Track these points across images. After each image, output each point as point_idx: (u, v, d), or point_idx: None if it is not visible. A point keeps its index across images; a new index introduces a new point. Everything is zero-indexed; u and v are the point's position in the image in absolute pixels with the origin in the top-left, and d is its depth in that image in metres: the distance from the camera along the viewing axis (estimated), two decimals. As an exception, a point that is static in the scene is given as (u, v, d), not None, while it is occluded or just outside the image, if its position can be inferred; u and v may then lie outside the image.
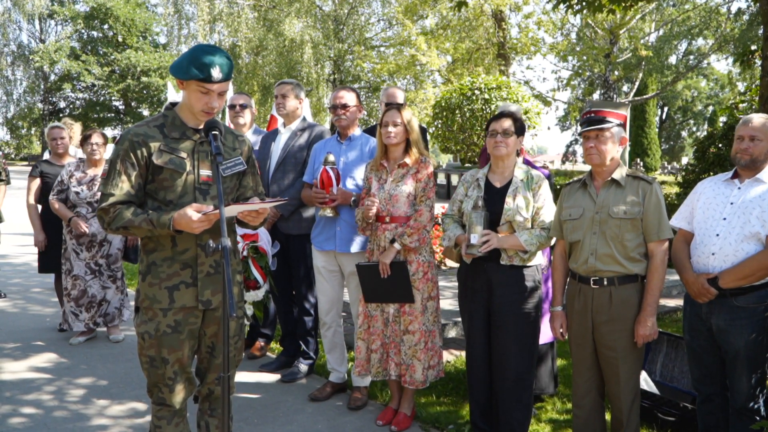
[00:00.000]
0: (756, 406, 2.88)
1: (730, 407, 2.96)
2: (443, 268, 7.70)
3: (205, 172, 2.48)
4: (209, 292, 2.49)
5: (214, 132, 2.39)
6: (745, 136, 2.94)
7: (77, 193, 5.05)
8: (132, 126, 2.51)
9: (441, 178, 17.16)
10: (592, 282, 2.93)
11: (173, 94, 7.98)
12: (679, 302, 6.56)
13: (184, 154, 2.45)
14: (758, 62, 5.03)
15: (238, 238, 3.98)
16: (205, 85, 2.37)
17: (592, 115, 2.94)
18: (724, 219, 2.91)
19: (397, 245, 3.48)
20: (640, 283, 2.91)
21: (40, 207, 5.52)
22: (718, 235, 2.90)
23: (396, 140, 3.54)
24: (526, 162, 3.99)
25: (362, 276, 3.58)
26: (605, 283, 2.90)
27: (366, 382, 3.99)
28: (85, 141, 5.20)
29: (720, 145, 7.66)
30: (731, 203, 2.93)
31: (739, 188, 2.95)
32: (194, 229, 2.32)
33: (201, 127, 2.49)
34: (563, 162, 47.74)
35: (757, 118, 2.96)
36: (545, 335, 3.73)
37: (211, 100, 2.41)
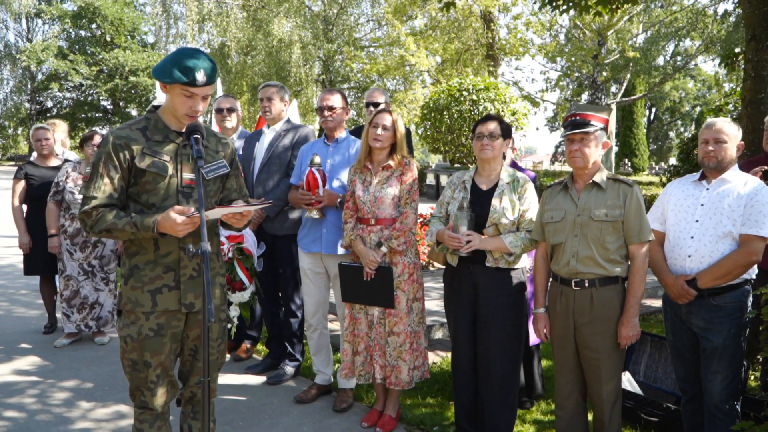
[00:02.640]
0: (728, 407, 2.92)
1: (705, 406, 3.00)
2: (431, 269, 7.71)
3: (188, 176, 2.48)
4: (192, 296, 2.49)
5: (195, 135, 2.38)
6: (709, 139, 3.01)
7: (72, 193, 5.03)
8: (114, 128, 2.50)
9: (430, 179, 17.20)
10: (573, 284, 2.95)
11: (162, 94, 7.93)
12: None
13: (166, 157, 2.44)
14: (743, 65, 5.08)
15: (223, 239, 3.97)
16: (190, 89, 2.37)
17: (577, 118, 2.96)
18: (697, 221, 2.97)
19: (384, 248, 3.49)
20: (621, 285, 2.94)
21: (25, 208, 5.49)
22: (692, 237, 2.96)
23: (383, 144, 3.55)
24: (513, 164, 4.01)
25: (344, 276, 3.58)
26: (586, 285, 2.92)
27: (351, 384, 3.99)
28: (86, 142, 5.19)
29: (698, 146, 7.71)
30: (702, 205, 2.99)
31: (708, 189, 3.02)
32: (178, 232, 2.32)
33: (184, 130, 2.48)
34: (552, 162, 47.92)
35: (720, 122, 3.03)
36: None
37: (195, 104, 2.41)
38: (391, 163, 3.57)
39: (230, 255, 4.01)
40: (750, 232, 2.84)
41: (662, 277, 3.05)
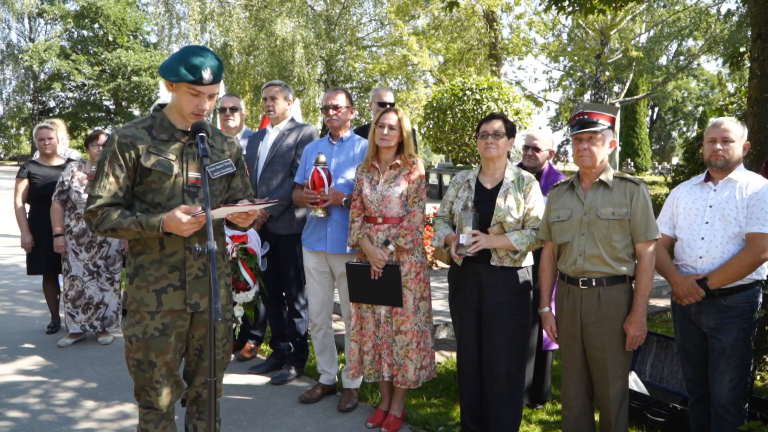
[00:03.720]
0: (735, 408, 2.91)
1: (712, 407, 2.98)
2: (434, 268, 7.70)
3: (194, 174, 2.46)
4: (197, 295, 2.47)
5: (201, 134, 2.36)
6: (717, 138, 2.99)
7: (79, 193, 5.03)
8: (120, 127, 2.49)
9: (433, 178, 17.20)
10: (580, 283, 2.93)
11: (165, 93, 7.90)
12: (669, 302, 6.57)
13: (172, 156, 2.43)
14: (748, 64, 5.05)
15: (228, 239, 3.96)
16: (196, 88, 2.35)
17: (585, 117, 2.94)
18: (707, 223, 2.97)
19: (391, 247, 3.47)
20: (628, 284, 2.92)
21: (28, 207, 5.49)
22: (703, 238, 2.96)
23: (390, 143, 3.54)
24: (550, 168, 3.96)
25: (351, 275, 3.58)
26: (593, 283, 2.90)
27: (356, 384, 3.98)
28: (91, 141, 5.18)
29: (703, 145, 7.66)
30: (710, 206, 2.99)
31: (715, 190, 3.02)
32: (184, 231, 2.30)
33: (190, 128, 2.47)
34: (555, 162, 47.78)
35: (727, 121, 3.01)
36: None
37: (201, 102, 2.39)
38: (398, 161, 3.56)
39: (234, 255, 4.00)
40: (755, 230, 2.83)
41: (670, 276, 3.04)
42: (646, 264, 2.87)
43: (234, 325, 4.09)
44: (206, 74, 2.32)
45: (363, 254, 3.60)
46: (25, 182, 5.39)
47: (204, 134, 2.37)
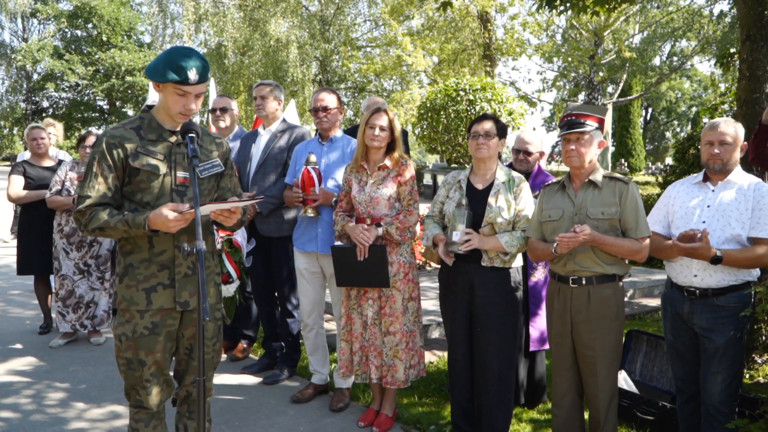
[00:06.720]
0: (727, 408, 2.92)
1: (703, 407, 3.00)
2: (428, 268, 7.72)
3: (182, 174, 2.48)
4: (187, 294, 2.48)
5: (191, 134, 2.38)
6: (714, 141, 2.97)
7: (71, 193, 5.03)
8: (109, 128, 2.50)
9: (427, 179, 17.21)
10: (571, 281, 2.96)
11: (155, 94, 7.88)
12: (660, 302, 6.59)
13: (160, 156, 2.45)
14: (738, 64, 5.08)
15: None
16: (183, 88, 2.37)
17: (573, 118, 2.97)
18: (704, 222, 2.95)
19: (380, 230, 3.46)
20: (617, 283, 2.95)
21: (19, 209, 5.47)
22: (698, 237, 2.93)
23: (381, 144, 3.54)
24: (539, 170, 3.97)
25: (336, 258, 3.54)
26: (584, 282, 2.93)
27: (348, 383, 3.99)
28: (82, 141, 5.17)
29: (700, 147, 7.69)
30: (708, 206, 2.97)
31: (713, 191, 3.00)
32: (170, 228, 2.31)
33: (178, 129, 2.48)
34: (549, 162, 47.80)
35: (724, 123, 2.98)
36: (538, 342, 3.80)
37: (188, 102, 2.41)
38: (387, 163, 3.56)
39: (219, 246, 3.97)
40: (761, 235, 2.82)
41: (668, 249, 2.95)
42: (636, 250, 2.86)
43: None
44: (192, 74, 2.34)
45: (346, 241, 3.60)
46: (21, 179, 5.33)
47: (194, 135, 2.39)
